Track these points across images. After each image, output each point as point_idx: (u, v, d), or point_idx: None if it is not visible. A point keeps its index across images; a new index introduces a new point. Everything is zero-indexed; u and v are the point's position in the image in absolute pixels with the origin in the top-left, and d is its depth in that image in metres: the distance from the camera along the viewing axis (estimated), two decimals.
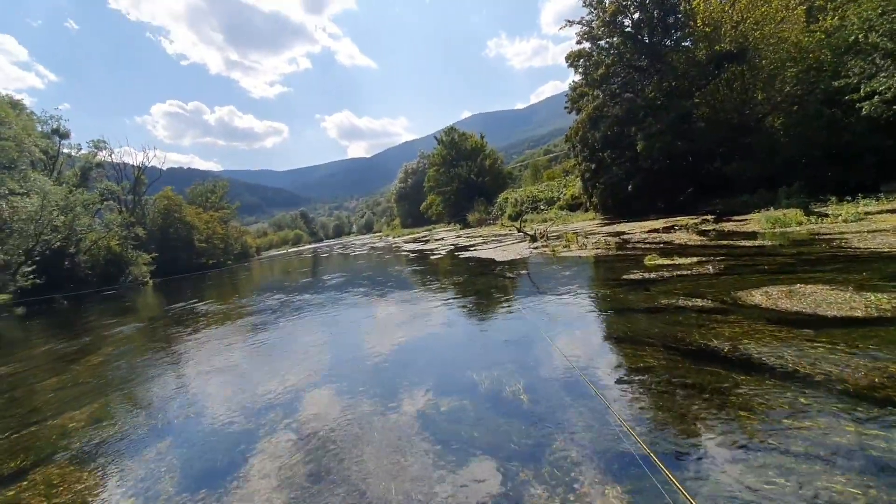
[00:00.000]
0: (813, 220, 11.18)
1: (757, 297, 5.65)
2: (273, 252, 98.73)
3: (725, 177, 21.54)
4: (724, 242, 10.62)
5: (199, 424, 4.54)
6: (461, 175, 58.48)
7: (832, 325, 4.42)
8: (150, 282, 44.03)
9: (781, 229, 11.11)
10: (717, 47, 22.02)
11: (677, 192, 24.09)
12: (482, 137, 63.31)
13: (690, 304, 5.86)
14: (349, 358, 6.08)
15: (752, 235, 11.11)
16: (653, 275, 8.06)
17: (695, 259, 8.85)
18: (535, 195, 43.34)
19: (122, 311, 19.23)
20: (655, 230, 15.79)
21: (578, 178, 34.29)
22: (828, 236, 9.20)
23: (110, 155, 53.99)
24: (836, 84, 15.04)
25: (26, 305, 30.14)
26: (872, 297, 4.87)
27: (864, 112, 13.65)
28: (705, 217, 15.89)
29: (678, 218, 18.46)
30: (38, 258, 31.39)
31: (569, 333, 5.60)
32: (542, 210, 39.03)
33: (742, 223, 13.73)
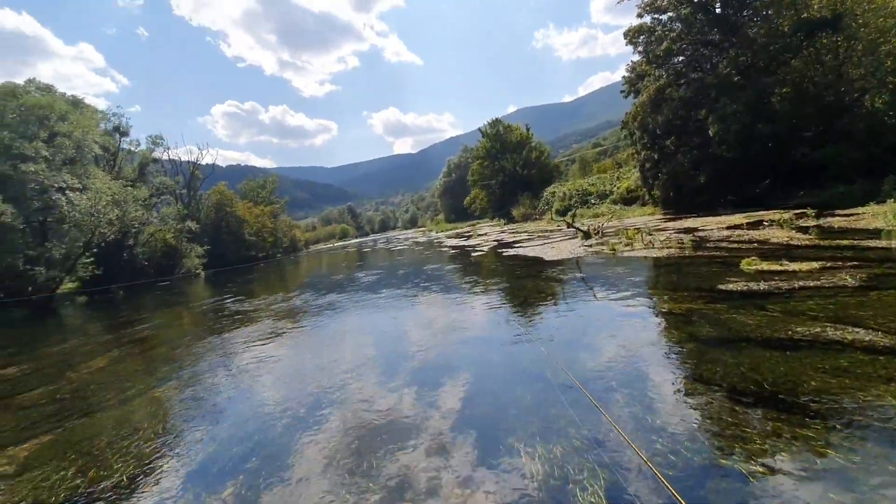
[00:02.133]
0: None
1: None
2: (321, 246, 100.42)
3: (812, 166, 18.48)
4: (844, 242, 8.32)
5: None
6: (506, 168, 56.26)
7: None
8: (202, 273, 45.16)
9: None
10: (804, 15, 18.91)
11: (751, 183, 21.13)
12: (528, 129, 60.64)
13: (849, 336, 3.94)
14: (344, 396, 4.61)
15: (876, 234, 8.72)
16: (762, 285, 6.08)
17: (815, 265, 6.73)
18: (586, 188, 40.53)
19: (164, 304, 18.95)
20: (737, 226, 13.38)
21: (635, 169, 31.45)
22: None
23: (166, 151, 55.99)
24: None
25: (88, 295, 31.41)
26: None
27: None
28: (801, 212, 13.30)
29: (761, 212, 15.80)
30: (95, 250, 32.54)
31: (665, 378, 3.86)
32: (594, 204, 36.33)
33: (853, 218, 11.17)
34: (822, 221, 11.55)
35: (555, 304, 7.26)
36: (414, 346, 6.07)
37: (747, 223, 13.66)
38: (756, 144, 19.78)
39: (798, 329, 4.31)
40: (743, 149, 19.88)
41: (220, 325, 10.39)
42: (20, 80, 34.43)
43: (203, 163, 60.66)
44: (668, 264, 9.33)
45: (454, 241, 30.90)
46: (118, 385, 6.33)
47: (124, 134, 48.95)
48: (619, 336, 5.05)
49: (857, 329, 4.08)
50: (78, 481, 3.55)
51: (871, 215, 11.06)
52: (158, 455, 3.86)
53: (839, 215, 12.22)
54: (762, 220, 13.47)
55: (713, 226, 14.40)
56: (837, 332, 4.07)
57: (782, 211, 14.53)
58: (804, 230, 10.65)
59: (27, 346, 11.57)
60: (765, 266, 7.11)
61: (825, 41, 19.10)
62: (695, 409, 3.22)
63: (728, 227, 13.42)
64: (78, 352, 9.63)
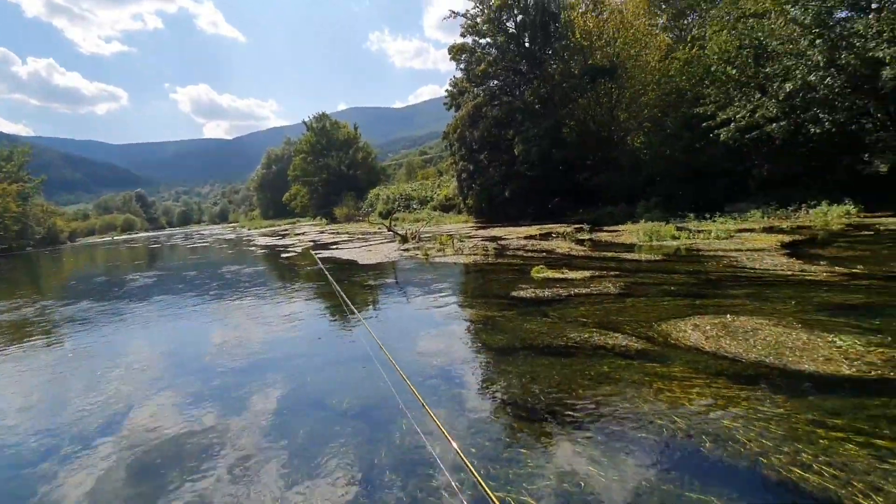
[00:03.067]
0: (686, 236, 11.07)
1: (689, 332, 4.29)
2: (94, 239, 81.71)
3: (591, 188, 22.19)
4: (609, 254, 9.81)
5: None
6: (331, 166, 54.43)
7: (822, 388, 3.08)
8: None
9: (658, 242, 10.77)
10: (590, 61, 22.61)
11: (547, 199, 24.38)
12: (356, 128, 59.94)
13: (611, 342, 4.27)
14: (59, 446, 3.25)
15: (631, 248, 10.56)
16: (546, 292, 6.54)
17: (587, 273, 7.62)
18: (409, 193, 41.73)
19: None
20: (532, 237, 14.98)
21: (453, 179, 33.49)
22: (709, 253, 8.81)
23: None
24: (697, 110, 15.90)
25: None
26: (840, 342, 3.73)
27: (721, 139, 14.46)
28: (580, 226, 15.61)
29: (551, 225, 18.16)
30: None
31: (459, 395, 3.58)
32: (415, 209, 37.54)
33: (615, 234, 13.49)
34: (594, 235, 13.65)
35: (359, 313, 6.70)
36: (174, 375, 4.80)
37: (540, 234, 15.42)
38: (551, 166, 22.80)
39: (571, 335, 4.57)
40: (542, 169, 22.70)
41: None
42: None
43: None
44: (474, 270, 9.70)
45: (267, 240, 28.23)
46: None
47: None
48: (423, 350, 4.77)
49: (616, 334, 4.48)
50: None
51: (629, 233, 13.47)
52: None
53: (606, 231, 14.64)
54: (552, 232, 15.37)
55: (514, 236, 15.87)
56: (601, 338, 4.40)
57: (567, 225, 16.85)
58: (581, 242, 12.37)
59: None
60: (550, 274, 7.79)
61: (603, 87, 23.10)
62: (481, 430, 2.96)
63: (525, 237, 14.91)
64: None
